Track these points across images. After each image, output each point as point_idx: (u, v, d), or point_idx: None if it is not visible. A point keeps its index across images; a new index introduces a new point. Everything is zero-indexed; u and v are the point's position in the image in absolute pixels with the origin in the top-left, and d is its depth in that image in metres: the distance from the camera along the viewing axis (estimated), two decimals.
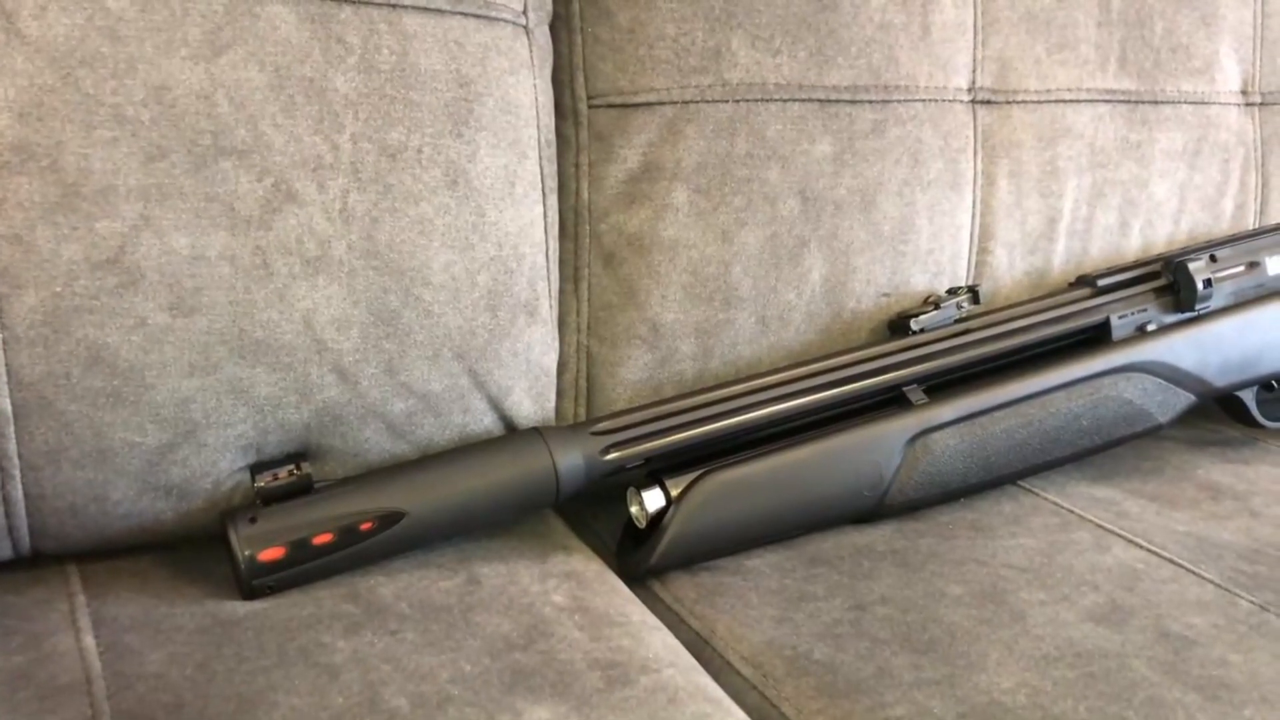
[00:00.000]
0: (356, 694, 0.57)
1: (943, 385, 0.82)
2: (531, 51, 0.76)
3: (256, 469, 0.68)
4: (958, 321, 0.84)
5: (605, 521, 0.82)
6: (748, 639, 0.67)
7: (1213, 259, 0.91)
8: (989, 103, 0.92)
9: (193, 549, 0.69)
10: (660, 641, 0.65)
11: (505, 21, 0.74)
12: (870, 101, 0.86)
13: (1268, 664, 0.63)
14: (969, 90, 0.91)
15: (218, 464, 0.68)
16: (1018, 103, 0.93)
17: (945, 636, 0.66)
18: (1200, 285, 0.88)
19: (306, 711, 0.56)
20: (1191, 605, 0.70)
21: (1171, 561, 0.75)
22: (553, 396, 0.80)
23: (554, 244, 0.80)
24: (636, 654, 0.63)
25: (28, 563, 0.67)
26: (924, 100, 0.88)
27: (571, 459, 0.72)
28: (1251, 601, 0.70)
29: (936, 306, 0.84)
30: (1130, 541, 0.78)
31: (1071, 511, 0.83)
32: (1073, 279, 0.93)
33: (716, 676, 0.64)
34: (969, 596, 0.70)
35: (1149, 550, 0.77)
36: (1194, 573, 0.74)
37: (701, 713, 0.58)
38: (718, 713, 0.59)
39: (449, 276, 0.71)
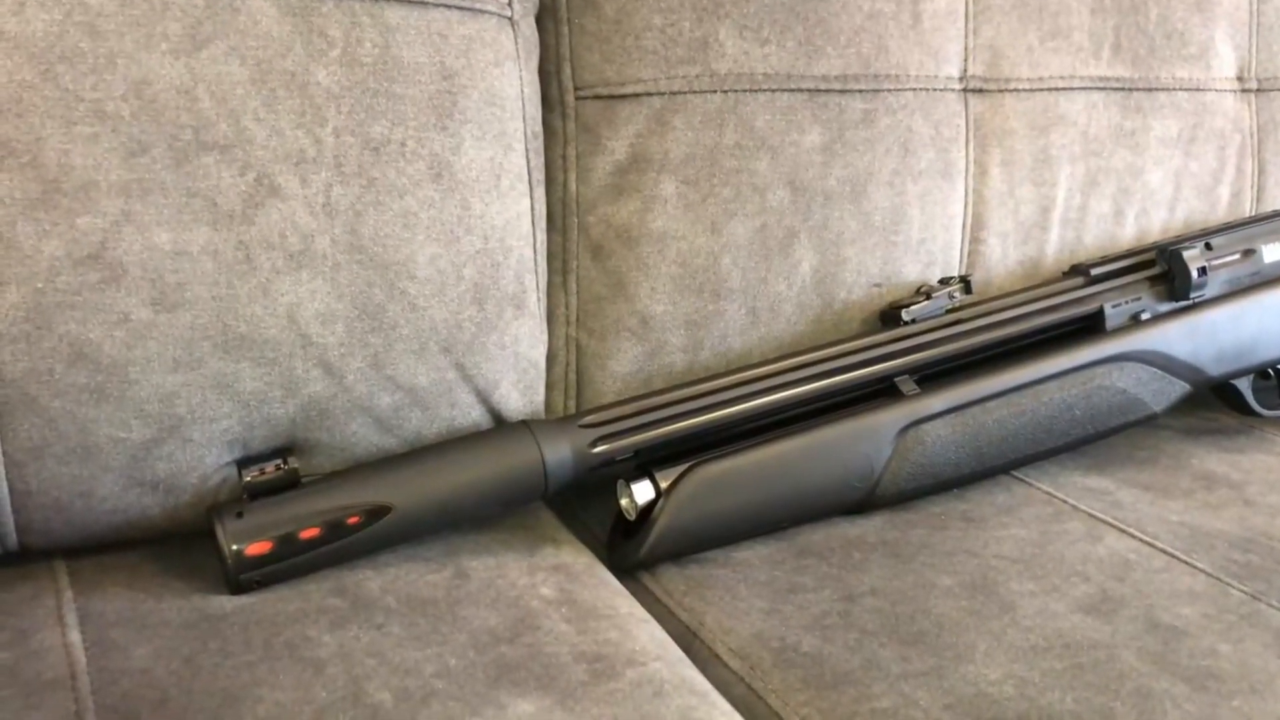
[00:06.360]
0: (340, 688, 0.57)
1: (935, 375, 0.82)
2: (517, 43, 0.75)
3: (243, 464, 0.67)
4: (950, 311, 0.84)
5: (596, 514, 0.81)
6: (736, 631, 0.67)
7: (1208, 247, 0.90)
8: (981, 91, 0.92)
9: (180, 544, 0.69)
10: (648, 634, 0.65)
11: (490, 13, 0.73)
12: (860, 91, 0.85)
13: (1257, 654, 0.63)
14: (960, 79, 0.91)
15: (204, 459, 0.68)
16: (1010, 91, 0.93)
17: (934, 628, 0.66)
18: (1195, 273, 0.87)
19: (290, 706, 0.56)
20: (1183, 595, 0.69)
21: (1164, 551, 0.75)
22: (541, 389, 0.80)
23: (542, 236, 0.79)
24: (623, 647, 0.63)
25: (15, 558, 0.67)
26: (915, 89, 0.88)
27: (559, 452, 0.71)
28: (1243, 591, 0.70)
29: (928, 297, 0.83)
30: (1123, 531, 0.78)
31: (1064, 501, 0.82)
32: (1066, 268, 0.93)
33: (704, 669, 0.64)
34: (959, 587, 0.70)
35: (1141, 540, 0.76)
36: (1186, 562, 0.73)
37: (687, 705, 0.58)
38: (703, 705, 0.59)
39: (434, 270, 0.71)
